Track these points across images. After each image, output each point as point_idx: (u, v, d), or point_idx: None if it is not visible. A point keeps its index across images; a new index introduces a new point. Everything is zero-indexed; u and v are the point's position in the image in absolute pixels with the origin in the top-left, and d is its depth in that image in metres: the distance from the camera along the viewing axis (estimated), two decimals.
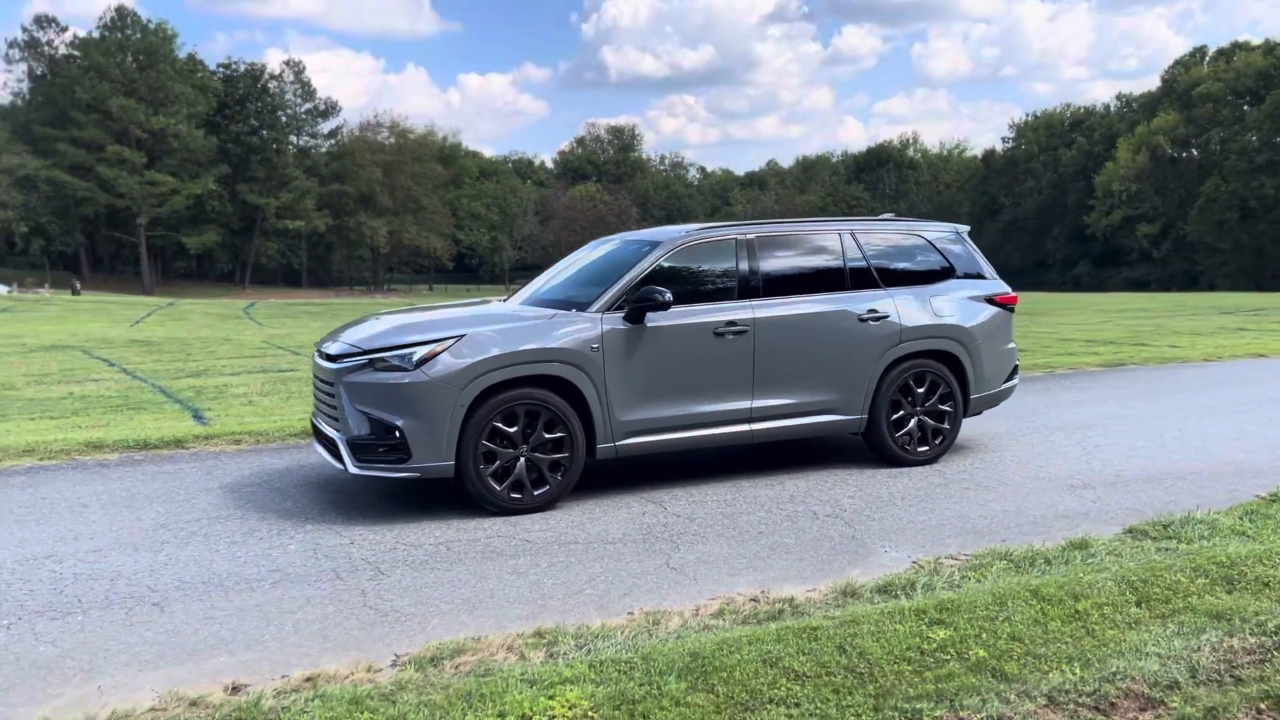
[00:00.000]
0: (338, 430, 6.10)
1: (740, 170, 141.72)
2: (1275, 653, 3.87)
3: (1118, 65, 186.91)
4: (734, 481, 6.84)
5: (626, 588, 4.81)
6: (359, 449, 5.95)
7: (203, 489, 6.79)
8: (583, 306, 6.40)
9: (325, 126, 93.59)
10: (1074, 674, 3.69)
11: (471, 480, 5.94)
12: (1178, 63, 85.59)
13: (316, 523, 5.94)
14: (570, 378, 6.10)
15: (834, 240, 7.22)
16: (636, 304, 6.30)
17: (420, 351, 5.89)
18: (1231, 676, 3.71)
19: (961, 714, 3.44)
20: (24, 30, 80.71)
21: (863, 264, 7.21)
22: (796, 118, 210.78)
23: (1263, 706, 3.50)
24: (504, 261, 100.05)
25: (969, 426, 8.57)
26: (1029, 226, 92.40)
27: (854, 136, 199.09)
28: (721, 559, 5.22)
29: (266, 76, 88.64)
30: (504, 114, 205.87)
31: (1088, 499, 6.31)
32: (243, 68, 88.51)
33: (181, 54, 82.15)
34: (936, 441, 7.29)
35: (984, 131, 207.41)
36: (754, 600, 4.58)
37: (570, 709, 3.41)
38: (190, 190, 77.07)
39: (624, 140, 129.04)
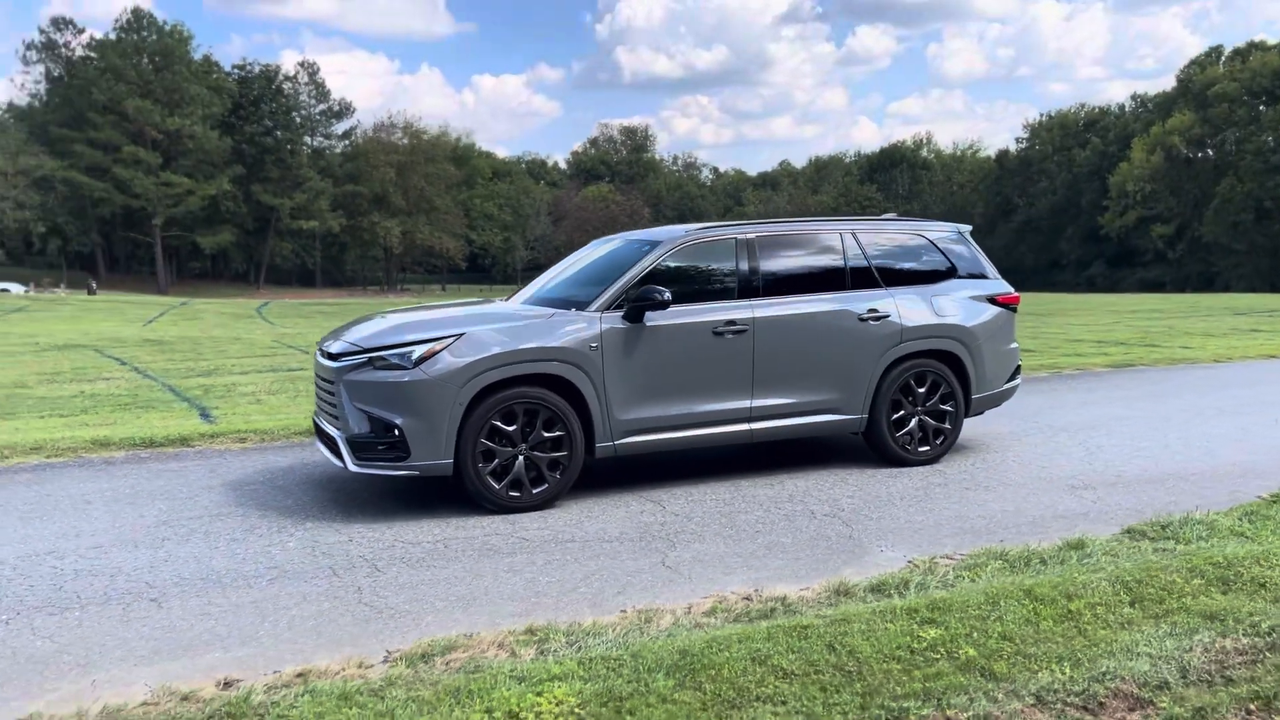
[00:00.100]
0: (338, 428, 6.14)
1: (753, 171, 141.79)
2: (1268, 653, 3.86)
3: (1134, 65, 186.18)
4: (734, 481, 6.85)
5: (621, 586, 4.82)
6: (358, 447, 5.98)
7: (206, 486, 6.83)
8: (582, 306, 6.42)
9: (339, 127, 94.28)
10: (1063, 674, 3.69)
11: (470, 478, 5.96)
12: (1193, 62, 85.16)
13: (316, 520, 5.98)
14: (569, 376, 6.12)
15: (835, 240, 7.22)
16: (635, 303, 6.31)
17: (419, 350, 5.92)
18: (1222, 677, 3.70)
19: (948, 713, 3.44)
20: (41, 32, 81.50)
21: (863, 263, 7.20)
22: (810, 118, 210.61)
23: (1252, 707, 3.49)
24: (516, 262, 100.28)
25: (972, 426, 8.56)
26: (1043, 227, 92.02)
27: (868, 137, 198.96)
28: (717, 558, 5.23)
29: (281, 78, 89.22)
30: (518, 115, 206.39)
31: (1087, 499, 6.30)
32: (257, 69, 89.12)
33: (197, 55, 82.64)
34: (938, 441, 7.28)
35: (999, 132, 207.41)
36: (747, 599, 4.59)
37: (557, 705, 3.42)
38: (205, 191, 77.58)
39: (637, 141, 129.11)
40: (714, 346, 6.55)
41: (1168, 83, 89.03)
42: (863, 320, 6.99)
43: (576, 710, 3.39)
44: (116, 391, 12.34)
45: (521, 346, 6.03)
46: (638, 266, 6.55)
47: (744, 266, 6.81)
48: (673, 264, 6.71)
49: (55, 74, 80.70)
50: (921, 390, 7.20)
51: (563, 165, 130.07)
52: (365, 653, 4.04)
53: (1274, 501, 6.00)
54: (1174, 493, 6.44)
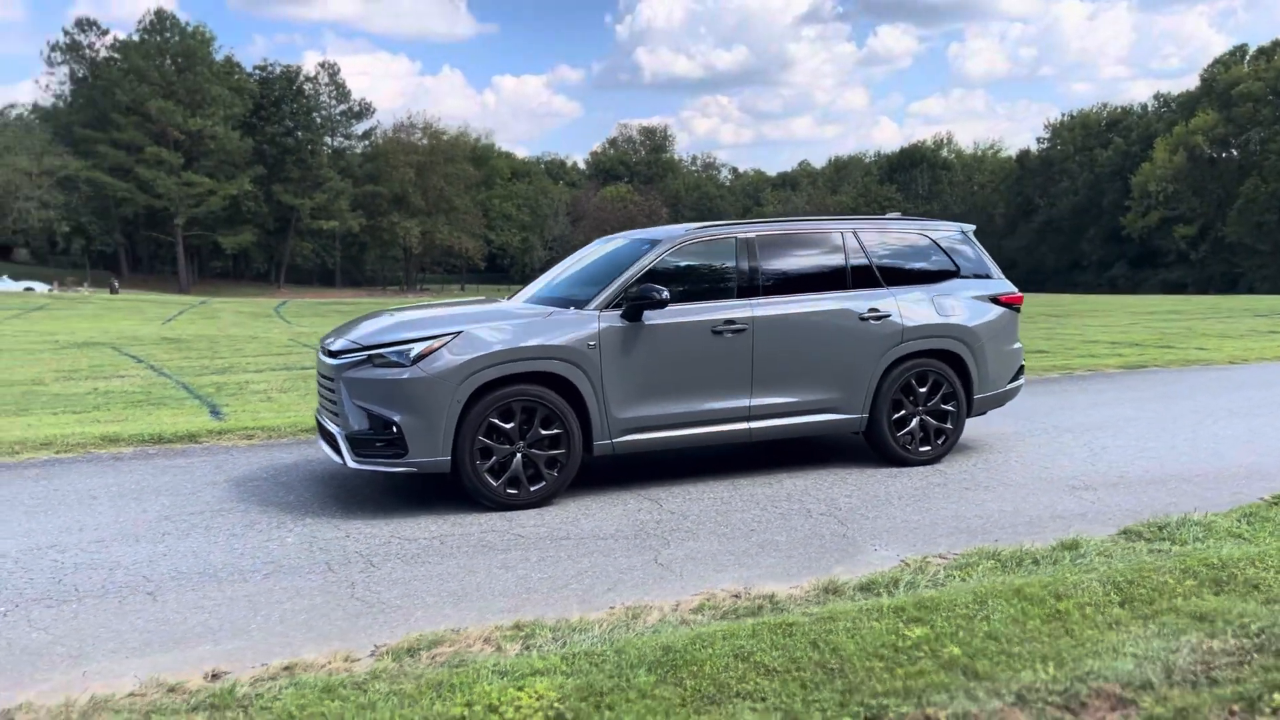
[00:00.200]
0: (338, 425, 6.19)
1: (772, 171, 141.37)
2: (1255, 655, 3.83)
3: (1159, 64, 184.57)
4: (732, 480, 6.86)
5: (611, 583, 4.84)
6: (357, 444, 6.03)
7: (210, 482, 6.90)
8: (581, 304, 6.44)
9: (359, 128, 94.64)
10: (1047, 673, 3.67)
11: (468, 476, 6.00)
12: (1217, 61, 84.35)
13: (316, 516, 6.03)
14: (567, 375, 6.15)
15: (836, 239, 7.22)
16: (634, 302, 6.33)
17: (417, 348, 5.96)
18: (1207, 678, 3.68)
19: (928, 711, 3.43)
20: (65, 33, 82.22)
21: (865, 263, 7.20)
22: (831, 118, 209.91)
23: (1235, 709, 3.47)
24: (535, 262, 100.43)
25: (976, 427, 8.53)
26: (1064, 228, 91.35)
27: (889, 137, 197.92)
28: (710, 556, 5.24)
29: (302, 78, 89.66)
30: (538, 115, 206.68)
31: (1087, 500, 6.27)
32: (278, 70, 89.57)
33: (219, 56, 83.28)
34: (939, 441, 7.26)
35: (1021, 132, 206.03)
36: (735, 596, 4.60)
37: (537, 700, 3.44)
38: (226, 191, 78.12)
39: (656, 141, 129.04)
40: (713, 345, 6.56)
41: (1192, 82, 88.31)
42: (863, 320, 6.98)
43: (556, 705, 3.41)
44: (130, 389, 12.46)
45: (519, 345, 6.06)
46: (636, 265, 6.57)
47: (744, 266, 6.82)
48: (672, 263, 6.73)
49: (79, 75, 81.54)
50: (923, 390, 7.19)
51: (582, 166, 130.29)
52: (353, 647, 4.08)
53: (1275, 503, 5.95)
54: (1176, 494, 6.40)
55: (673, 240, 6.78)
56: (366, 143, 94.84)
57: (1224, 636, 3.99)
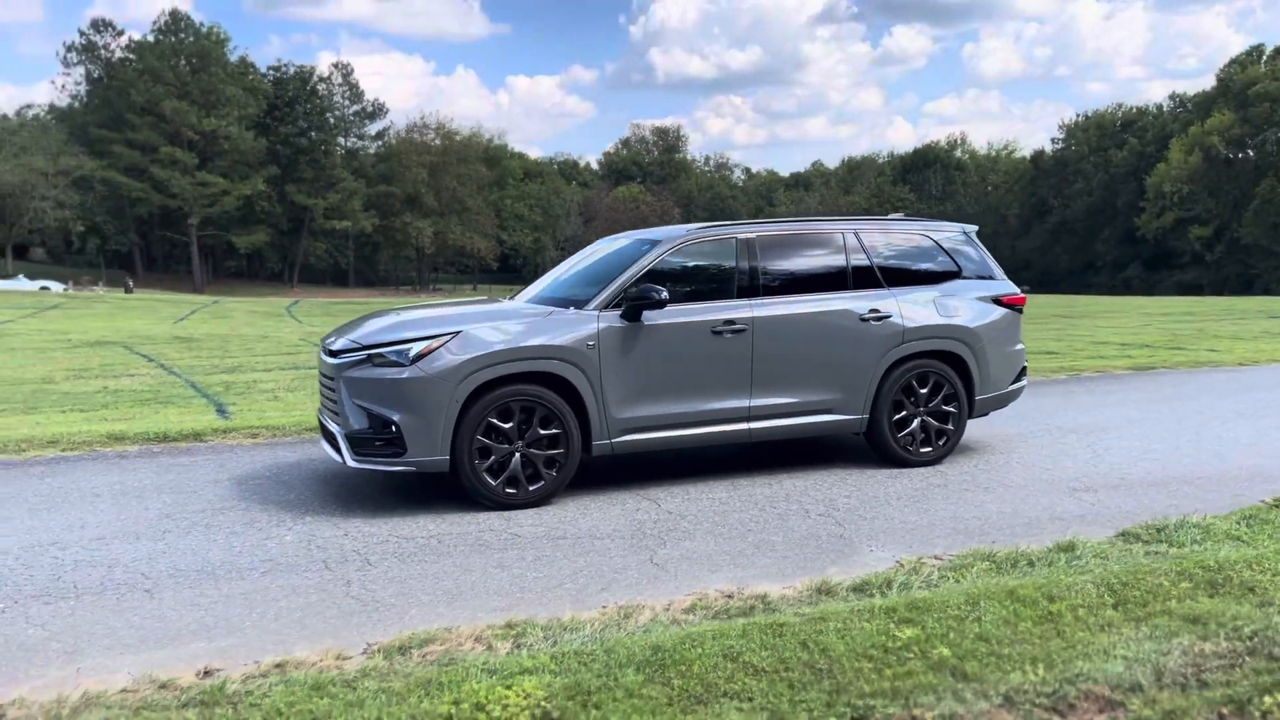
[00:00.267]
0: (338, 424, 6.22)
1: (785, 171, 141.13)
2: (1246, 658, 3.82)
3: (1176, 64, 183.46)
4: (733, 480, 6.86)
5: (606, 582, 4.85)
6: (357, 443, 6.06)
7: (212, 480, 6.94)
8: (580, 304, 6.46)
9: (372, 128, 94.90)
10: (1036, 675, 3.67)
11: (466, 475, 6.02)
12: (1233, 61, 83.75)
13: (315, 514, 6.06)
14: (565, 375, 6.16)
15: (837, 240, 7.21)
16: (633, 302, 6.34)
17: (416, 348, 5.98)
18: (1198, 681, 3.66)
19: (914, 712, 3.43)
20: (81, 34, 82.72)
21: (866, 263, 7.19)
22: (845, 118, 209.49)
23: (1224, 712, 3.46)
24: (547, 262, 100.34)
25: (980, 428, 8.51)
26: (1078, 229, 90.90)
27: (903, 137, 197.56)
28: (705, 556, 5.24)
29: (315, 79, 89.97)
30: (551, 115, 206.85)
31: (1086, 502, 6.25)
32: (292, 70, 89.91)
33: (233, 57, 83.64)
34: (940, 442, 7.25)
35: (1036, 132, 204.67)
36: (728, 596, 4.61)
37: (525, 698, 3.45)
38: (240, 191, 78.49)
39: (669, 141, 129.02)
40: (712, 346, 6.56)
41: (1209, 82, 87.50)
42: (864, 320, 6.97)
43: (543, 703, 3.43)
44: (139, 387, 12.54)
45: (517, 345, 6.08)
46: (636, 266, 6.58)
47: (744, 266, 6.82)
48: (673, 263, 6.73)
49: (95, 75, 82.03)
50: (924, 391, 7.17)
51: (594, 166, 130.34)
52: (346, 644, 4.10)
53: (1275, 506, 5.92)
54: (1176, 496, 6.37)
55: (673, 240, 6.79)
56: (380, 143, 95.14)
57: (1216, 639, 3.97)
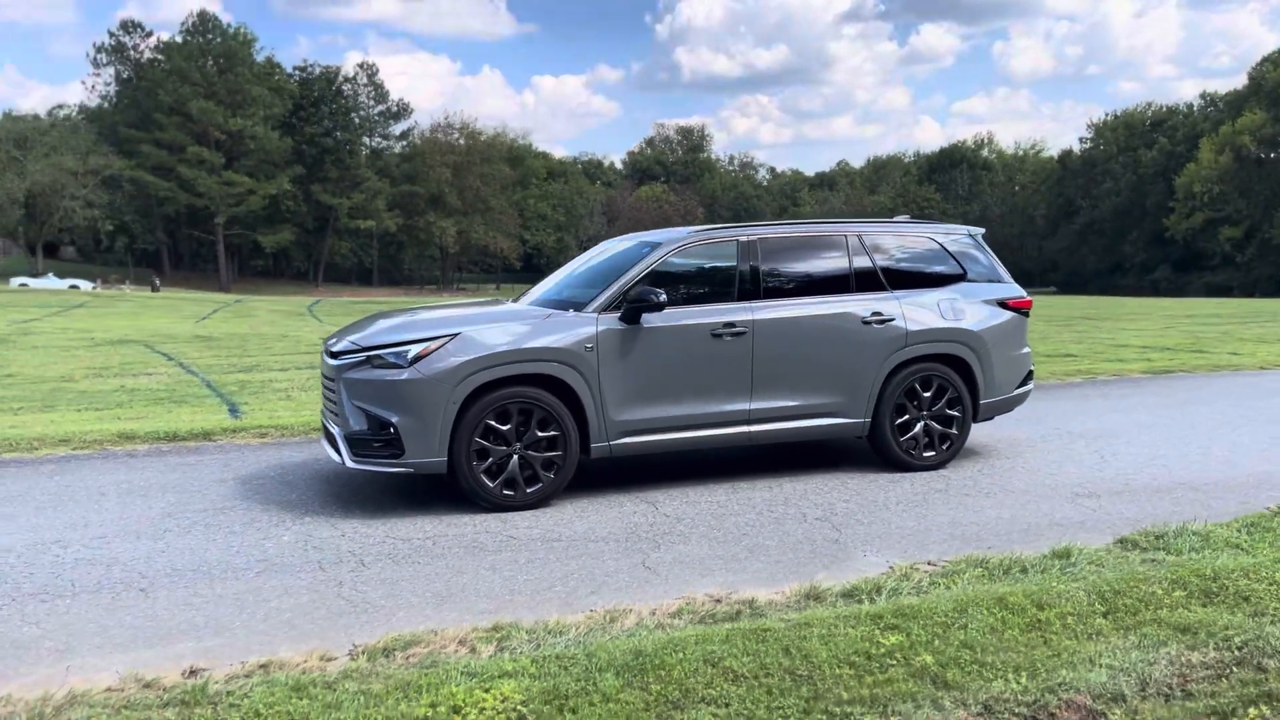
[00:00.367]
0: (338, 425, 6.26)
1: (810, 171, 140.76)
2: (1234, 668, 3.78)
3: (1208, 63, 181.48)
4: (732, 483, 6.84)
5: (595, 585, 4.85)
6: (355, 444, 6.09)
7: (217, 480, 7.00)
8: (580, 307, 6.46)
9: (397, 128, 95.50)
10: (1018, 684, 3.64)
11: (464, 476, 6.04)
12: (1265, 60, 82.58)
13: (315, 515, 6.10)
14: (563, 377, 6.17)
15: (840, 243, 7.18)
16: (633, 304, 6.34)
17: (414, 349, 6.01)
18: (1183, 691, 3.63)
19: None
20: (110, 35, 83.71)
21: (869, 266, 7.15)
22: (872, 117, 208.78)
23: None
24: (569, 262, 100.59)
25: (988, 432, 8.46)
26: (1106, 229, 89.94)
27: (930, 136, 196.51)
28: (698, 560, 5.24)
29: (341, 79, 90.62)
30: (577, 115, 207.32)
31: (1088, 508, 6.19)
32: (318, 70, 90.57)
33: (259, 57, 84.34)
34: (944, 447, 7.20)
35: (1065, 132, 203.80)
36: (716, 601, 4.60)
37: (502, 702, 3.47)
38: (266, 190, 79.17)
39: (693, 141, 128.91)
40: (712, 348, 6.55)
41: (1242, 81, 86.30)
42: (866, 323, 6.94)
43: (519, 707, 3.44)
44: (155, 386, 12.67)
45: (515, 347, 6.10)
46: (637, 268, 6.58)
47: (745, 268, 6.81)
48: (674, 266, 6.73)
49: (124, 76, 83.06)
50: (927, 395, 7.13)
51: (619, 165, 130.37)
52: (332, 646, 4.12)
53: (1279, 514, 5.84)
54: (1180, 503, 6.30)
55: (674, 243, 6.79)
56: (404, 143, 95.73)
57: (1205, 649, 3.93)
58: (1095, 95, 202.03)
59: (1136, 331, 22.34)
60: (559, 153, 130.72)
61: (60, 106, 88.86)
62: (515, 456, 6.12)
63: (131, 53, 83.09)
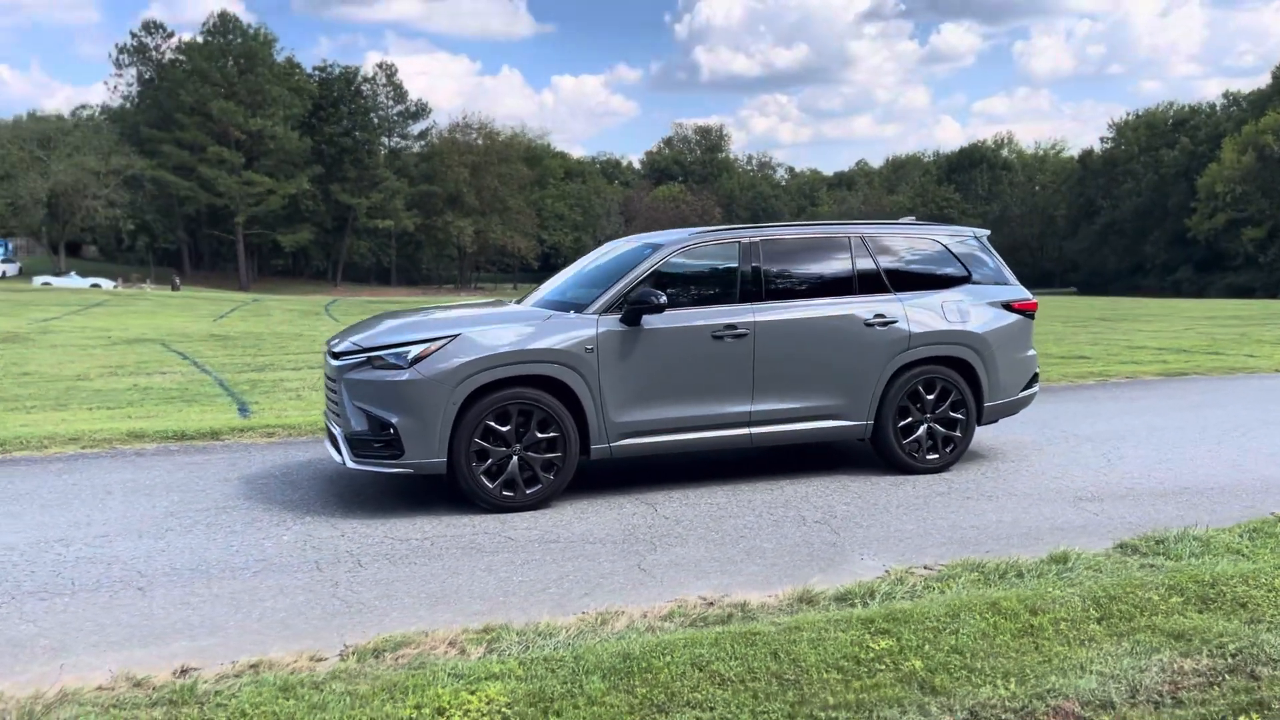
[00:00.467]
0: (339, 425, 6.29)
1: (829, 170, 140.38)
2: (1227, 676, 3.74)
3: (1233, 62, 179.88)
4: (733, 485, 6.83)
5: (589, 587, 4.86)
6: (356, 444, 6.12)
7: (222, 479, 7.05)
8: (581, 308, 6.47)
9: (415, 128, 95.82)
10: (1006, 690, 3.62)
11: (464, 477, 6.06)
12: None
13: (316, 515, 6.13)
14: (563, 378, 6.17)
15: (843, 244, 7.16)
16: (633, 306, 6.34)
17: (414, 350, 6.03)
18: (1172, 699, 3.60)
19: None
20: (133, 36, 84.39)
21: (872, 268, 7.12)
22: (892, 117, 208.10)
23: None
24: None
25: (995, 435, 8.41)
26: (1127, 230, 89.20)
27: (951, 136, 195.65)
28: (694, 562, 5.23)
29: (360, 79, 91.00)
30: (595, 115, 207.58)
31: (1090, 512, 6.14)
32: (337, 70, 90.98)
33: (279, 57, 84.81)
34: (948, 449, 7.17)
35: (1087, 131, 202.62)
36: (708, 603, 4.59)
37: (487, 704, 3.48)
38: (285, 190, 79.60)
39: (711, 140, 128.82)
40: (713, 350, 6.54)
41: (1266, 80, 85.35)
42: (869, 325, 6.91)
43: (504, 710, 3.44)
44: (168, 385, 12.77)
45: (515, 348, 6.11)
46: (638, 269, 6.57)
47: (747, 270, 6.80)
48: (675, 267, 6.73)
49: (146, 76, 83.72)
50: (931, 397, 7.10)
51: (636, 165, 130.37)
52: (323, 646, 4.14)
53: None
54: (1185, 507, 6.25)
55: (676, 244, 6.78)
56: (422, 143, 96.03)
57: (1198, 656, 3.90)
58: (1117, 94, 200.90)
59: (1154, 333, 22.16)
60: (577, 152, 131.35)
61: (84, 107, 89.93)
62: (515, 458, 6.14)
63: (153, 53, 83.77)
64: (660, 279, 6.61)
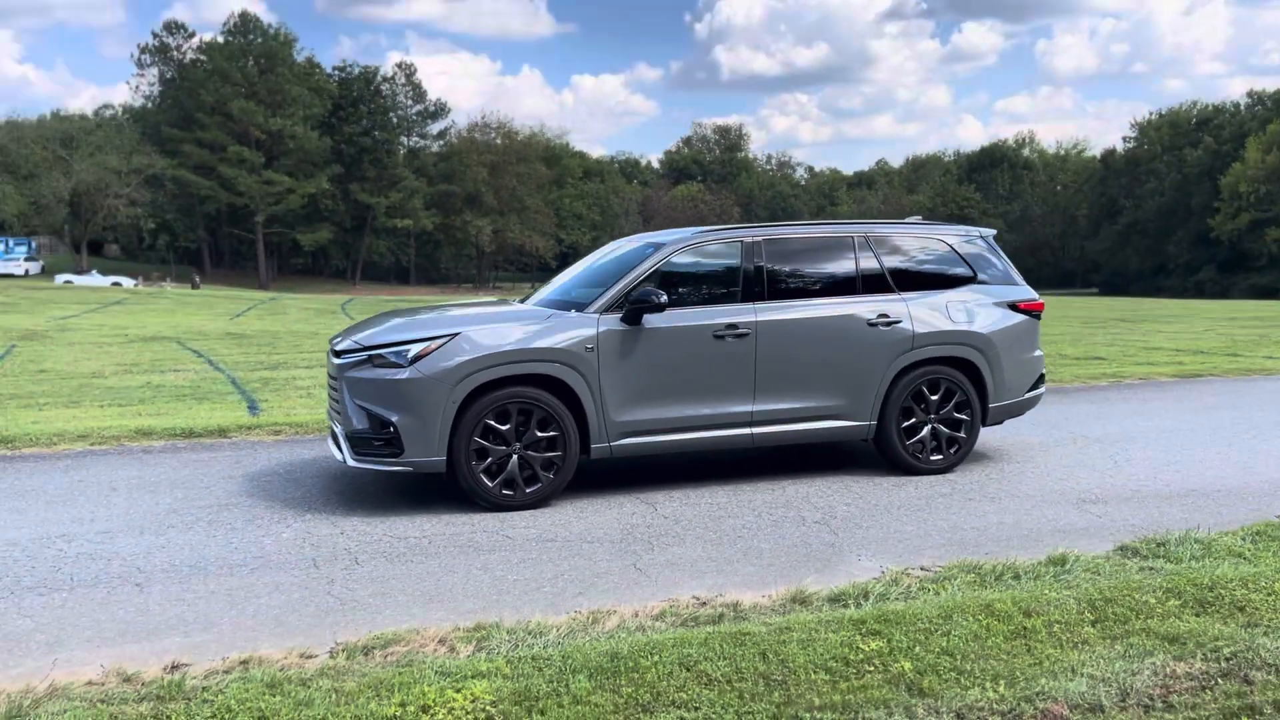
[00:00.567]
0: (340, 423, 6.31)
1: (849, 170, 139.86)
2: (1220, 680, 3.70)
3: (1259, 61, 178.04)
4: (734, 485, 6.82)
5: (584, 586, 4.85)
6: (356, 442, 6.15)
7: (227, 476, 7.09)
8: (582, 307, 6.47)
9: (434, 128, 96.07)
10: (994, 692, 3.59)
11: (464, 476, 6.07)
12: None
13: (317, 512, 6.15)
14: (563, 377, 6.17)
15: (847, 244, 7.12)
16: (634, 305, 6.33)
17: (414, 349, 6.05)
18: (1163, 702, 3.56)
19: None
20: (154, 36, 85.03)
21: (876, 268, 7.09)
22: (913, 116, 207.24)
23: None
24: None
25: (1002, 435, 8.35)
26: (1149, 230, 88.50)
27: (972, 135, 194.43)
28: (690, 562, 5.22)
29: (379, 79, 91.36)
30: (615, 114, 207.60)
31: (1093, 514, 6.09)
32: (357, 70, 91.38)
33: (299, 57, 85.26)
34: (951, 450, 7.12)
35: (1109, 131, 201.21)
36: (701, 603, 4.58)
37: (472, 702, 3.48)
38: (305, 189, 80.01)
39: (730, 140, 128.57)
40: (714, 350, 6.52)
41: None
42: (872, 325, 6.88)
43: (488, 708, 3.44)
44: (181, 383, 12.86)
45: (515, 347, 6.11)
46: (639, 269, 6.57)
47: (749, 270, 6.78)
48: (676, 266, 6.72)
49: (167, 76, 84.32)
50: (935, 398, 7.05)
51: (656, 165, 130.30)
52: (314, 643, 4.15)
53: None
54: (1189, 509, 6.18)
55: (678, 243, 6.77)
56: (441, 142, 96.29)
57: (1192, 660, 3.86)
58: (1140, 94, 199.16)
59: (1172, 334, 21.97)
60: (597, 152, 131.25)
61: (106, 106, 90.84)
62: (515, 456, 6.14)
63: (174, 53, 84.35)
64: (662, 278, 6.60)
